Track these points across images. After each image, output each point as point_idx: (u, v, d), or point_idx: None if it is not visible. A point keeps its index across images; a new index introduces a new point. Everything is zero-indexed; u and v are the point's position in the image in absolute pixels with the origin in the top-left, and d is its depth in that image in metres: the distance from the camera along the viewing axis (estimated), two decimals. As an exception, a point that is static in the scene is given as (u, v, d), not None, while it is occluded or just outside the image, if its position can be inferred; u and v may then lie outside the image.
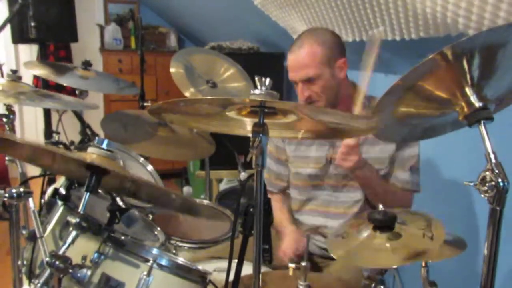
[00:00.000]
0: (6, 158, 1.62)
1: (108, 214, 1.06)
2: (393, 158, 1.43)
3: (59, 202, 1.17)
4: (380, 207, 0.98)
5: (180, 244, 1.63)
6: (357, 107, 1.36)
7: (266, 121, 0.87)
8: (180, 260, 1.10)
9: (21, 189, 1.16)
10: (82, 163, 1.02)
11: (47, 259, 0.92)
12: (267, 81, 0.87)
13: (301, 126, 1.02)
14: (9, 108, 1.62)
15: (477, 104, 0.80)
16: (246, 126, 0.99)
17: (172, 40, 4.54)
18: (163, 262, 1.02)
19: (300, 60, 1.40)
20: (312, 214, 1.55)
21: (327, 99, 1.41)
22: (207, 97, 1.89)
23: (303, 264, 1.07)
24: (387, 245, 0.92)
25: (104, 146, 1.08)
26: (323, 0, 1.81)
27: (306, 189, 1.55)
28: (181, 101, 0.88)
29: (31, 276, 1.12)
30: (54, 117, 2.42)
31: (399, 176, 1.44)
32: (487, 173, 0.76)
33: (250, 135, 0.87)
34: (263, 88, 0.86)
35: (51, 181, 1.69)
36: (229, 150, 1.96)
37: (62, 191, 1.18)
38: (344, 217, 1.47)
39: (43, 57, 2.89)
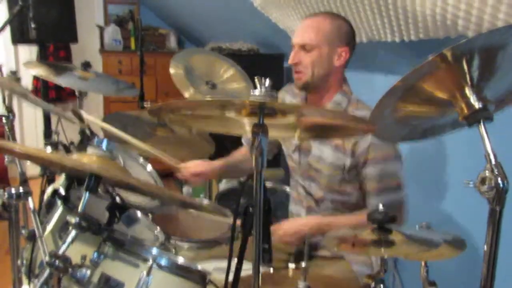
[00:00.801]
0: (6, 158, 1.62)
1: (107, 214, 1.06)
2: (358, 173, 1.39)
3: (59, 202, 1.17)
4: (380, 207, 0.98)
5: (180, 244, 1.63)
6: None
7: (265, 121, 0.87)
8: (180, 260, 1.10)
9: (21, 189, 1.16)
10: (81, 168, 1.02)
11: (47, 259, 0.92)
12: (267, 81, 0.87)
13: (300, 126, 1.02)
14: (8, 108, 1.62)
15: (477, 104, 0.81)
16: (245, 126, 0.99)
17: (172, 41, 4.55)
18: (163, 262, 1.02)
19: (306, 25, 1.40)
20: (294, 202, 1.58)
21: (312, 75, 1.38)
22: (207, 98, 1.89)
23: (303, 264, 1.07)
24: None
25: (103, 146, 1.08)
26: (323, 2, 1.81)
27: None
28: (181, 102, 0.88)
29: (30, 276, 1.12)
30: (54, 117, 2.41)
31: (370, 202, 1.39)
32: (487, 173, 0.76)
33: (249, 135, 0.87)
34: (263, 88, 0.86)
35: (51, 181, 1.68)
36: (228, 150, 1.96)
37: (62, 191, 1.17)
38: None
39: (42, 58, 2.89)
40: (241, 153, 1.77)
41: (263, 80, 0.86)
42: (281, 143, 1.62)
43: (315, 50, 1.37)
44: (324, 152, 1.42)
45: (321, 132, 1.08)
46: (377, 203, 1.34)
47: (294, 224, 1.42)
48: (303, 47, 1.38)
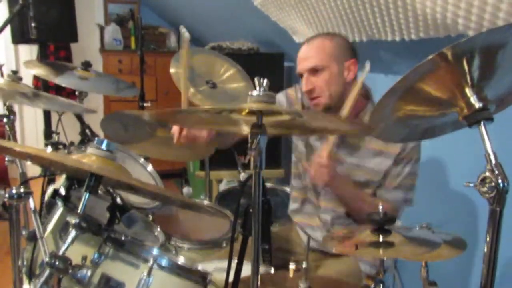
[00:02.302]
0: (6, 158, 1.62)
1: (108, 215, 1.06)
2: (389, 173, 1.42)
3: (59, 203, 1.17)
4: (380, 207, 0.98)
5: (180, 244, 1.63)
6: (345, 110, 1.34)
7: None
8: (180, 260, 1.10)
9: (21, 190, 1.16)
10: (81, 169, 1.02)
11: (47, 259, 0.92)
12: (265, 82, 0.87)
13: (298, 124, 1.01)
14: (9, 108, 1.62)
15: (477, 104, 0.80)
16: (243, 125, 0.99)
17: (172, 41, 4.54)
18: (163, 262, 1.02)
19: (309, 51, 1.40)
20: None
21: (330, 96, 1.38)
22: (205, 106, 1.89)
23: (304, 265, 1.07)
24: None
25: (103, 146, 1.08)
26: (323, 1, 1.81)
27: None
28: (179, 111, 0.87)
29: (31, 276, 1.12)
30: (54, 117, 2.41)
31: (383, 194, 1.43)
32: (487, 173, 0.76)
33: (248, 134, 0.87)
34: (261, 89, 0.86)
35: (51, 181, 1.69)
36: (228, 151, 1.96)
37: (62, 191, 1.17)
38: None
39: (43, 58, 2.89)
40: None
41: (262, 81, 0.86)
42: (299, 156, 1.59)
43: (326, 70, 1.37)
44: (364, 159, 1.42)
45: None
46: (395, 196, 1.41)
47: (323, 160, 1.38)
48: (313, 71, 1.37)
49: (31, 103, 1.56)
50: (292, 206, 1.64)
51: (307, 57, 1.40)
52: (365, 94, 1.47)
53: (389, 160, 1.41)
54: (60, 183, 1.51)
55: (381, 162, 1.41)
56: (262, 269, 1.29)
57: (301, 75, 1.42)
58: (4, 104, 1.58)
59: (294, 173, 1.64)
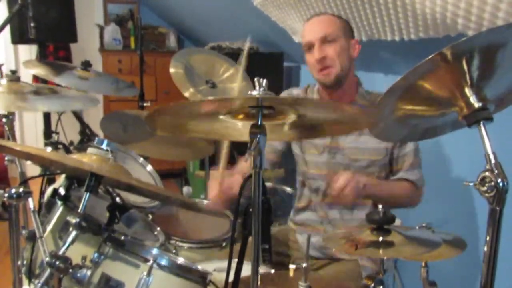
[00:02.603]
0: (6, 158, 1.62)
1: (108, 214, 1.06)
2: (393, 153, 1.44)
3: (59, 202, 1.17)
4: (380, 207, 0.98)
5: (180, 244, 1.63)
6: None
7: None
8: (180, 260, 1.10)
9: (21, 189, 1.16)
10: (81, 168, 1.02)
11: (47, 259, 0.92)
12: (264, 82, 0.86)
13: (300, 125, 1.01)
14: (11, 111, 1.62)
15: (477, 104, 0.80)
16: (241, 130, 0.99)
17: (172, 40, 4.54)
18: (163, 262, 1.02)
19: (321, 21, 1.42)
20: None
21: (341, 67, 1.39)
22: (207, 98, 1.89)
23: (304, 265, 1.07)
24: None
25: (103, 146, 1.08)
26: (322, 1, 1.81)
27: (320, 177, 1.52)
28: (179, 104, 0.87)
29: (31, 276, 1.12)
30: (54, 117, 2.41)
31: (409, 177, 1.44)
32: (487, 173, 0.76)
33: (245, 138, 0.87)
34: (261, 89, 0.86)
35: (51, 181, 1.69)
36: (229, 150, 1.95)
37: (62, 191, 1.17)
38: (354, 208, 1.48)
39: (42, 58, 2.88)
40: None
41: (261, 81, 0.86)
42: (298, 149, 1.57)
43: (337, 41, 1.39)
44: (361, 141, 1.43)
45: (320, 130, 1.08)
46: (415, 176, 1.43)
47: (348, 177, 1.33)
48: (325, 40, 1.38)
49: (31, 104, 1.55)
50: (307, 212, 1.59)
51: (319, 26, 1.41)
52: (356, 81, 1.51)
53: None
54: (59, 183, 1.51)
55: (379, 140, 1.40)
56: (262, 269, 1.29)
57: (309, 47, 1.41)
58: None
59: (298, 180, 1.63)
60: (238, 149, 1.83)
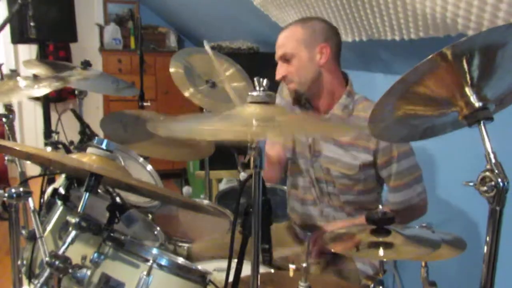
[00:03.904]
0: (6, 157, 1.62)
1: (107, 214, 1.06)
2: (381, 173, 1.41)
3: (59, 202, 1.17)
4: (380, 207, 0.98)
5: (180, 244, 1.63)
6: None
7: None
8: (180, 260, 1.10)
9: (21, 189, 1.16)
10: (81, 168, 1.02)
11: (47, 259, 0.92)
12: (265, 82, 0.86)
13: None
14: (8, 107, 1.62)
15: (477, 104, 0.80)
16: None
17: (172, 40, 4.54)
18: (163, 262, 1.02)
19: (282, 37, 1.43)
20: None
21: (301, 81, 1.41)
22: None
23: (304, 265, 1.07)
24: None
25: (103, 146, 1.08)
26: (322, 1, 1.81)
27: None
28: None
29: (30, 276, 1.12)
30: (54, 116, 2.41)
31: (388, 199, 1.43)
32: (487, 173, 0.76)
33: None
34: (261, 89, 0.86)
35: (51, 181, 1.69)
36: (228, 150, 1.95)
37: (62, 191, 1.17)
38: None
39: (42, 57, 2.89)
40: None
41: (261, 81, 0.86)
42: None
43: (295, 57, 1.39)
44: (337, 153, 1.42)
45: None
46: (409, 195, 1.39)
47: (339, 226, 1.41)
48: (284, 59, 1.41)
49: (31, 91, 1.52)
50: (303, 207, 1.60)
51: (278, 45, 1.44)
52: (341, 82, 1.46)
53: (366, 154, 1.39)
54: (59, 183, 1.51)
55: (355, 156, 1.40)
56: (262, 269, 1.29)
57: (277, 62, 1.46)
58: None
59: (291, 170, 1.63)
60: (238, 149, 1.83)
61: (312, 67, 1.40)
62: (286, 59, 1.41)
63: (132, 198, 1.56)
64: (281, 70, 1.43)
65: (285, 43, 1.41)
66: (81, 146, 1.83)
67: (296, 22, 1.45)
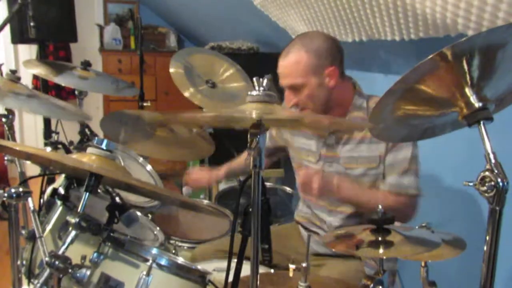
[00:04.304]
0: (5, 157, 1.62)
1: (107, 214, 1.06)
2: (384, 161, 1.40)
3: (58, 202, 1.17)
4: (379, 207, 0.98)
5: (180, 244, 1.63)
6: None
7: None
8: (180, 260, 1.10)
9: (20, 189, 1.15)
10: (81, 168, 1.02)
11: (47, 259, 0.92)
12: (265, 81, 0.86)
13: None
14: (8, 107, 1.62)
15: (477, 104, 0.80)
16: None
17: (172, 40, 4.54)
18: (163, 262, 1.02)
19: (286, 67, 1.39)
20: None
21: (315, 107, 1.40)
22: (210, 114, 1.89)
23: (304, 265, 1.07)
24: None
25: (103, 146, 1.08)
26: (322, 1, 1.81)
27: None
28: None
29: (30, 276, 1.12)
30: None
31: (387, 181, 1.40)
32: (487, 173, 0.76)
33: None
34: (261, 89, 0.86)
35: (50, 181, 1.68)
36: (228, 150, 1.96)
37: (61, 191, 1.17)
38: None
39: (42, 57, 2.88)
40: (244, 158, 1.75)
41: (261, 81, 0.86)
42: (294, 154, 1.60)
43: (305, 86, 1.37)
44: (358, 150, 1.42)
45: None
46: (392, 181, 1.37)
47: (312, 172, 1.37)
48: (293, 88, 1.39)
49: (26, 104, 1.54)
50: (310, 210, 1.59)
51: (284, 74, 1.40)
52: (350, 88, 1.47)
53: (381, 144, 1.39)
54: (59, 183, 1.51)
55: (372, 148, 1.40)
56: (262, 269, 1.29)
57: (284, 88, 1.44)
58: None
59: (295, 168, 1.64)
60: (237, 148, 1.83)
61: (323, 91, 1.39)
62: (296, 88, 1.38)
63: (132, 198, 1.56)
64: (292, 99, 1.40)
65: (291, 72, 1.37)
66: (81, 146, 1.83)
67: (297, 45, 1.39)
